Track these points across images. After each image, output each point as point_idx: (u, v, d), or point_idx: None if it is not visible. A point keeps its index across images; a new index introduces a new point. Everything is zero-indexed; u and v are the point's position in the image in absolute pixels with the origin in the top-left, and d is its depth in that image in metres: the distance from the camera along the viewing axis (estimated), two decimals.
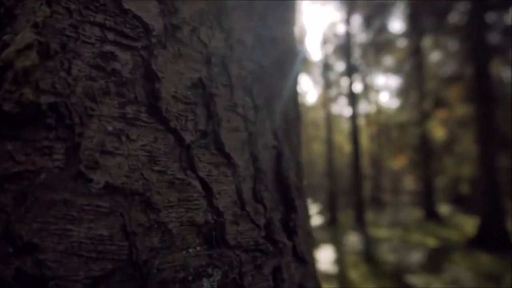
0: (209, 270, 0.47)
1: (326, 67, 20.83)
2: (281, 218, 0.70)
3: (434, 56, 20.07)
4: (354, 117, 17.12)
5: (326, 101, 20.40)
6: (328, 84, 21.19)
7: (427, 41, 18.70)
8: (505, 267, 8.98)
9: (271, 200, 0.68)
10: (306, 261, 0.75)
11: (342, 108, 25.69)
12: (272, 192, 0.69)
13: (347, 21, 17.08)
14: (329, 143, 19.07)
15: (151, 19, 0.47)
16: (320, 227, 13.93)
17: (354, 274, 9.78)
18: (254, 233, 0.60)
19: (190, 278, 0.46)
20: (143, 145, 0.45)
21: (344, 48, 17.71)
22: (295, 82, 0.98)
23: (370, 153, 26.76)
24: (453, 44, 18.13)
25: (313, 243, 0.83)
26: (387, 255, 11.00)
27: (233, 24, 0.65)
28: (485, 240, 11.97)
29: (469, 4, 12.99)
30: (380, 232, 14.64)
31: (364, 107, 27.13)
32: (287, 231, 0.70)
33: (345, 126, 25.15)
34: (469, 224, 14.88)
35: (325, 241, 12.19)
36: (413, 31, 18.02)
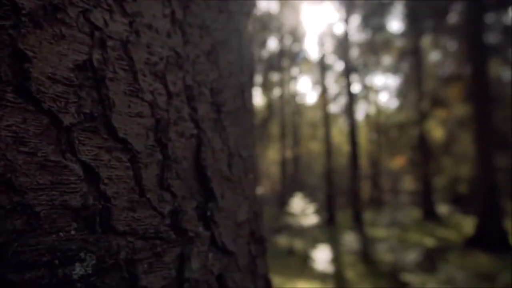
0: (82, 255, 0.46)
1: (325, 67, 20.79)
2: (197, 207, 0.69)
3: (433, 56, 20.03)
4: (352, 117, 17.09)
5: (324, 101, 20.37)
6: (326, 84, 21.17)
7: (425, 41, 18.66)
8: (502, 267, 8.96)
9: (184, 188, 0.66)
10: (229, 252, 0.74)
11: (341, 108, 25.66)
12: (187, 181, 0.68)
13: (346, 21, 17.05)
14: (328, 143, 19.05)
15: None
16: (318, 227, 13.91)
17: (351, 274, 9.77)
18: (155, 221, 0.59)
19: (57, 262, 0.44)
20: (8, 126, 0.44)
21: (343, 48, 17.68)
22: (237, 73, 0.96)
23: (369, 153, 26.69)
24: (452, 44, 18.09)
25: (245, 235, 0.81)
26: (384, 254, 10.98)
27: (141, 9, 0.63)
28: (483, 240, 11.95)
29: (468, 4, 12.96)
30: (378, 232, 14.62)
31: (363, 107, 27.10)
32: (204, 220, 0.69)
33: (344, 125, 25.10)
34: (467, 224, 14.84)
35: (323, 241, 12.17)
36: (412, 31, 17.98)
